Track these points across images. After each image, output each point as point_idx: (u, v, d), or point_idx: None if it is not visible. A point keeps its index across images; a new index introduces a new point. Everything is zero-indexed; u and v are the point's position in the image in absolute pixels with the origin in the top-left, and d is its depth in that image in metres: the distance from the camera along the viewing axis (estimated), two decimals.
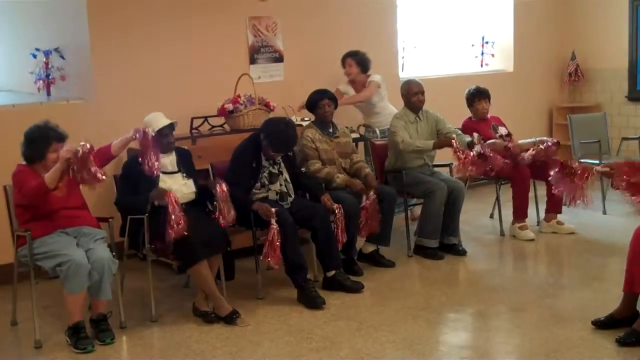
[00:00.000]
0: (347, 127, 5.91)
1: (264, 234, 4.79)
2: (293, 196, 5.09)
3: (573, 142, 7.26)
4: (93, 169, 4.01)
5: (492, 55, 8.65)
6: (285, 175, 5.08)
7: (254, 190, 4.96)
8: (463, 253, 5.74)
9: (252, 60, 6.56)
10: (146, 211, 4.44)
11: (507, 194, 6.26)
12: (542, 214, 6.38)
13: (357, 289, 4.96)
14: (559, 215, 6.29)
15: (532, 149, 6.04)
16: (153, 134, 4.33)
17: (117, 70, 5.80)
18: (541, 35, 8.76)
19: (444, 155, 6.13)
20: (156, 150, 4.32)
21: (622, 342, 3.92)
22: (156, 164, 4.31)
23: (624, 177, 3.93)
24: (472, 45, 8.67)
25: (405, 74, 7.82)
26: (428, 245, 5.68)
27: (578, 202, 4.27)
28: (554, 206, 6.24)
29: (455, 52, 8.62)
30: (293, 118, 5.89)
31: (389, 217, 5.48)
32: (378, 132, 6.53)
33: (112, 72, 5.78)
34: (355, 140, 6.14)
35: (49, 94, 6.10)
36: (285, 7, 6.72)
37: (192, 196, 4.73)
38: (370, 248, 5.55)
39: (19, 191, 4.22)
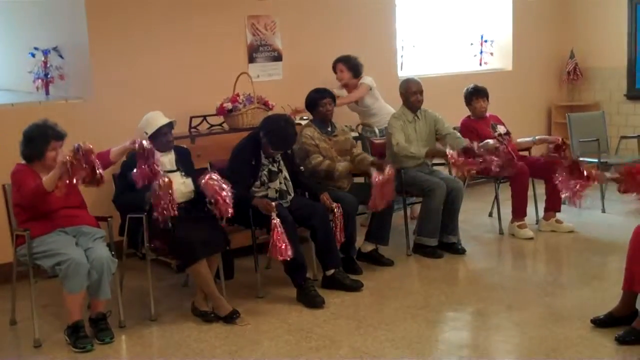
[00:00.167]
0: (346, 126, 5.92)
1: (263, 232, 4.79)
2: (292, 194, 5.09)
3: (572, 140, 7.26)
4: (97, 167, 3.98)
5: (491, 53, 8.67)
6: (285, 173, 5.08)
7: (253, 188, 4.96)
8: (462, 252, 5.74)
9: (251, 59, 6.56)
10: (145, 208, 4.44)
11: (506, 193, 6.26)
12: (541, 213, 6.38)
13: (356, 287, 4.96)
14: (558, 214, 6.29)
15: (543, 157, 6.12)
16: (149, 147, 4.28)
17: (116, 69, 5.79)
18: (540, 33, 8.76)
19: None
20: (154, 162, 4.29)
21: (621, 340, 3.92)
22: (158, 170, 4.29)
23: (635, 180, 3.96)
24: (471, 43, 8.68)
25: (404, 72, 7.83)
26: (427, 244, 5.68)
27: (575, 202, 4.28)
28: (553, 205, 6.25)
29: (454, 50, 8.62)
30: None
31: (388, 216, 5.48)
32: (377, 130, 6.53)
33: (111, 71, 5.77)
34: (354, 139, 6.13)
35: (47, 93, 6.10)
36: (284, 6, 6.72)
37: (191, 195, 4.73)
38: (370, 247, 5.55)
39: (18, 191, 4.22)
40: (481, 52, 8.68)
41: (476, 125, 6.31)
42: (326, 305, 4.68)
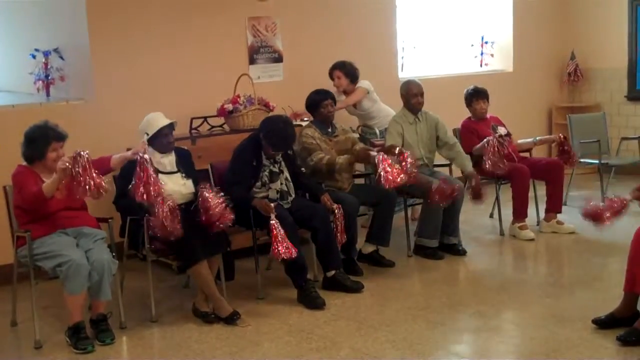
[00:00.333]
0: (345, 128, 5.90)
1: (263, 234, 4.79)
2: (293, 195, 5.09)
3: (573, 141, 7.26)
4: (96, 178, 3.98)
5: (492, 55, 8.66)
6: (286, 174, 5.08)
7: (254, 189, 4.96)
8: (463, 253, 5.74)
9: (252, 61, 6.56)
10: (143, 215, 4.43)
11: (506, 194, 6.26)
12: (542, 214, 6.38)
13: (357, 289, 4.96)
14: (558, 215, 6.29)
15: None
16: (148, 164, 4.27)
17: (117, 71, 5.80)
18: (541, 35, 8.76)
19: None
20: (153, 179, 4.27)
21: (622, 341, 3.92)
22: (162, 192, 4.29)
23: None
24: (472, 45, 8.67)
25: (405, 74, 7.83)
26: (428, 245, 5.68)
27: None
28: (553, 206, 6.26)
29: (454, 52, 8.62)
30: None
31: (389, 217, 5.48)
32: (378, 132, 6.52)
33: (112, 73, 5.78)
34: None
35: (48, 94, 6.10)
36: (285, 7, 6.73)
37: (191, 197, 4.72)
38: (370, 248, 5.55)
39: (19, 193, 4.22)
40: (482, 54, 8.67)
41: (476, 127, 6.31)
42: (327, 307, 4.67)
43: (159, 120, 4.68)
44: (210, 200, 4.41)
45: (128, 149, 4.83)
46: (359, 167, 6.08)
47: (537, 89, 8.83)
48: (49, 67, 6.06)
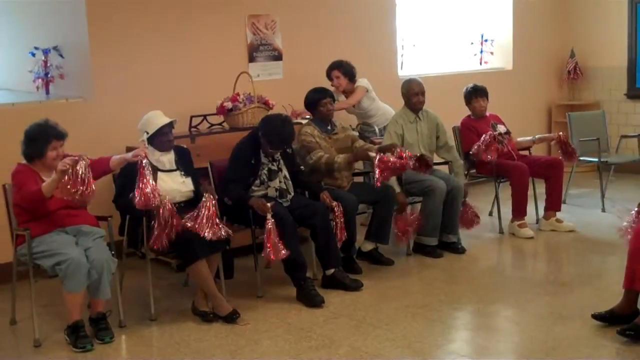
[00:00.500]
0: (345, 126, 5.90)
1: (263, 232, 4.79)
2: (292, 193, 5.09)
3: (572, 140, 7.25)
4: (86, 189, 3.98)
5: (491, 53, 8.66)
6: (285, 172, 5.08)
7: (253, 187, 4.96)
8: (462, 251, 5.74)
9: (251, 59, 6.56)
10: (141, 215, 4.43)
11: (506, 192, 6.26)
12: (541, 212, 6.38)
13: (356, 287, 4.96)
14: (558, 213, 6.29)
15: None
16: (148, 170, 4.27)
17: (116, 69, 5.79)
18: (540, 33, 8.76)
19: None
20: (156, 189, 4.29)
21: (622, 334, 3.91)
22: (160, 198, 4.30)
23: None
24: (471, 43, 8.67)
25: (405, 72, 7.83)
26: (427, 243, 5.68)
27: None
28: (553, 204, 6.26)
29: (454, 50, 8.62)
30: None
31: (388, 215, 5.48)
32: (377, 130, 6.52)
33: (111, 71, 5.77)
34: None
35: (47, 92, 6.10)
36: (284, 5, 6.72)
37: (190, 195, 4.73)
38: (370, 246, 5.55)
39: (18, 192, 4.22)
40: (481, 52, 8.68)
41: (476, 125, 6.31)
42: (326, 305, 4.67)
43: (159, 118, 4.68)
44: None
45: (127, 148, 4.84)
46: (358, 166, 6.08)
47: (537, 87, 8.83)
48: (48, 65, 6.06)
